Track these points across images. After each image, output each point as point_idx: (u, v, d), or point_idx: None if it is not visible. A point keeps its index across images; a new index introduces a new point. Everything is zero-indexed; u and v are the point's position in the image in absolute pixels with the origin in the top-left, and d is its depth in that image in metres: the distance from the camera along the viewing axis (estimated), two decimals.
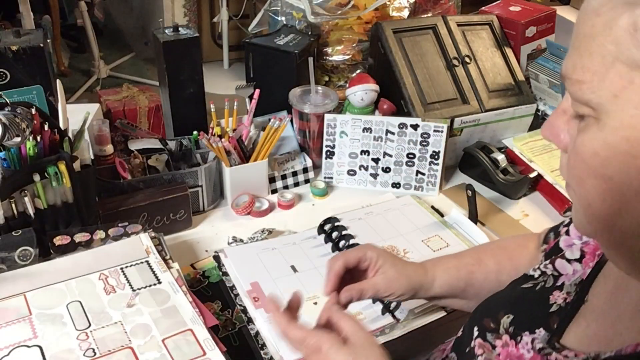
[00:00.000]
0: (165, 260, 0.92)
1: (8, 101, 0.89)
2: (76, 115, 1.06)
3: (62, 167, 0.92)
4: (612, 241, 0.48)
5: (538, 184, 1.27)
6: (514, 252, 0.84)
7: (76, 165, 0.95)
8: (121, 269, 0.90)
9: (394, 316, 0.90)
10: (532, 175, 1.24)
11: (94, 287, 0.87)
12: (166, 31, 1.20)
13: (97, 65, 3.06)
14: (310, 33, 1.41)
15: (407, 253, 1.04)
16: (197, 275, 0.99)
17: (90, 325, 0.80)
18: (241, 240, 1.06)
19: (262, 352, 0.84)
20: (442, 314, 0.93)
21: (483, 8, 1.50)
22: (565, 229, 0.71)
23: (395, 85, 1.28)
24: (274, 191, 1.23)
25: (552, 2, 2.27)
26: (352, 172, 1.26)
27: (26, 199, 0.91)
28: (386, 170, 1.24)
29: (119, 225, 0.97)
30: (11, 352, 0.75)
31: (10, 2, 2.73)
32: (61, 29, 3.18)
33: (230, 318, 0.91)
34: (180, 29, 1.21)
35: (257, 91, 1.21)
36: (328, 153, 1.25)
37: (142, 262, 0.92)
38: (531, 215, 1.21)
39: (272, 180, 1.22)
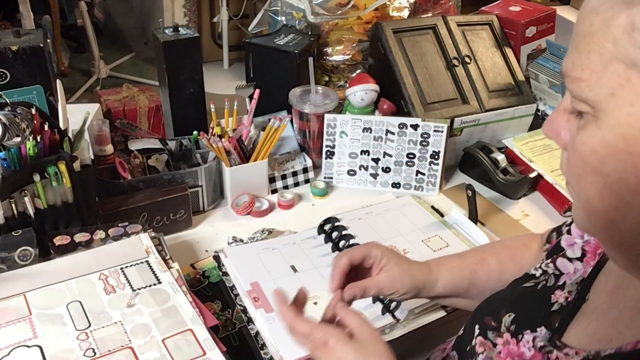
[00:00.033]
0: (165, 260, 0.92)
1: (8, 101, 0.89)
2: (76, 115, 1.06)
3: (62, 167, 0.92)
4: (611, 238, 0.49)
5: (538, 184, 1.27)
6: (517, 251, 0.84)
7: (76, 165, 0.95)
8: (121, 269, 0.90)
9: (394, 316, 0.90)
10: (532, 175, 1.24)
11: (94, 287, 0.87)
12: (166, 31, 1.20)
13: (97, 65, 3.06)
14: (310, 33, 1.41)
15: (407, 253, 1.04)
16: (197, 275, 0.99)
17: (90, 325, 0.80)
18: (241, 240, 1.06)
19: (262, 352, 0.84)
20: (442, 313, 0.93)
21: (483, 8, 1.50)
22: (567, 228, 0.71)
23: (395, 85, 1.28)
24: (274, 191, 1.23)
25: (552, 2, 2.27)
26: (352, 172, 1.26)
27: (26, 199, 0.91)
28: (386, 170, 1.24)
29: (119, 225, 0.97)
30: (11, 352, 0.76)
31: (10, 2, 2.73)
32: (61, 29, 3.18)
33: (230, 318, 0.91)
34: (180, 29, 1.21)
35: (257, 91, 1.21)
36: (328, 153, 1.25)
37: (142, 262, 0.92)
38: (531, 215, 1.21)
39: (272, 180, 1.22)
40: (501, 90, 1.35)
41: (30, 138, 0.90)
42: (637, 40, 0.41)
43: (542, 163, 1.25)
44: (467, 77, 1.33)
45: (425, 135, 1.20)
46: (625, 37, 0.41)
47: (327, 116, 1.23)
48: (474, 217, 1.14)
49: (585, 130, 0.46)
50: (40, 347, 0.76)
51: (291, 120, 1.27)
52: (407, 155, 1.22)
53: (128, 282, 0.88)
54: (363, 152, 1.24)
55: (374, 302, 0.92)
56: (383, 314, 0.90)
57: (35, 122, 0.90)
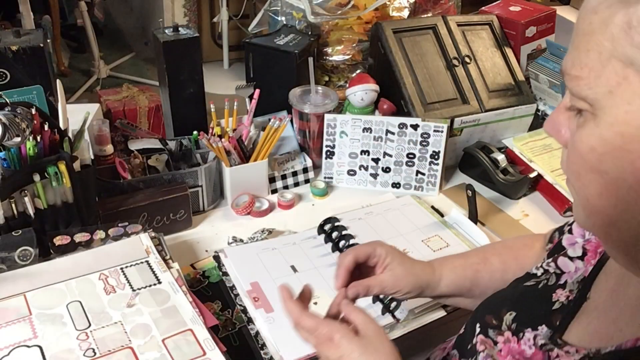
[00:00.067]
0: (165, 260, 0.92)
1: (8, 101, 0.89)
2: (76, 115, 1.06)
3: (62, 167, 0.92)
4: (610, 235, 0.49)
5: (538, 184, 1.27)
6: (519, 251, 0.84)
7: (76, 165, 0.95)
8: (121, 269, 0.90)
9: (394, 316, 0.90)
10: (532, 175, 1.24)
11: (94, 287, 0.87)
12: (166, 31, 1.20)
13: (97, 65, 3.06)
14: (310, 33, 1.41)
15: (407, 253, 1.03)
16: (197, 275, 0.99)
17: (90, 325, 0.80)
18: (241, 240, 1.06)
19: (262, 352, 0.84)
20: (442, 313, 0.93)
21: (483, 8, 1.50)
22: (569, 227, 0.72)
23: (395, 85, 1.28)
24: (274, 191, 1.23)
25: (552, 2, 2.27)
26: (352, 172, 1.26)
27: (26, 199, 0.91)
28: (386, 170, 1.24)
29: (119, 225, 0.97)
30: (11, 352, 0.76)
31: (10, 2, 2.73)
32: (61, 29, 3.18)
33: (230, 318, 0.91)
34: (180, 29, 1.21)
35: (257, 91, 1.21)
36: (328, 153, 1.25)
37: (142, 262, 0.92)
38: (531, 215, 1.21)
39: (272, 180, 1.22)
40: (501, 90, 1.35)
41: (30, 138, 0.90)
42: (634, 38, 0.41)
43: (542, 163, 1.25)
44: (467, 77, 1.33)
45: (425, 135, 1.20)
46: (623, 36, 0.42)
47: (327, 116, 1.23)
48: (474, 217, 1.14)
49: (584, 128, 0.46)
50: (40, 347, 0.76)
51: (291, 120, 1.27)
52: (407, 155, 1.22)
53: (128, 282, 0.88)
54: (363, 152, 1.24)
55: (374, 302, 0.92)
56: (383, 314, 0.90)
57: (35, 122, 0.90)
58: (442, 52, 1.34)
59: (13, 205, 0.91)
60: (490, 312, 0.67)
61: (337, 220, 1.09)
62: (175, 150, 1.19)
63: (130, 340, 0.78)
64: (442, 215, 1.16)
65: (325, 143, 1.25)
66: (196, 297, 0.86)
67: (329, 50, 1.44)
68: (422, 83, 1.29)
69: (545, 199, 1.25)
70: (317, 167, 1.29)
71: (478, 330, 0.66)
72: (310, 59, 1.27)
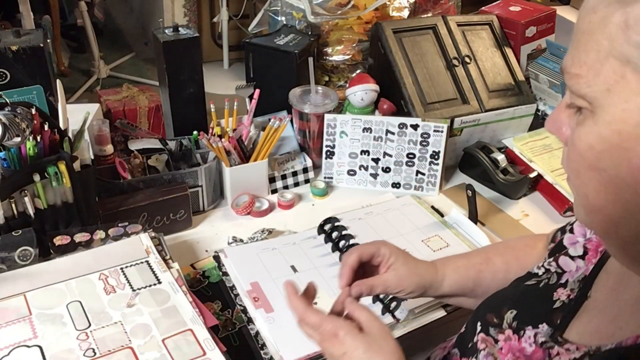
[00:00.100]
0: (165, 260, 0.92)
1: (8, 101, 0.89)
2: (76, 115, 1.06)
3: (62, 167, 0.92)
4: (609, 233, 0.49)
5: (538, 184, 1.27)
6: (522, 251, 0.84)
7: (76, 165, 0.95)
8: (121, 269, 0.90)
9: (394, 316, 0.90)
10: (532, 175, 1.24)
11: (94, 287, 0.87)
12: (166, 31, 1.20)
13: (97, 65, 3.06)
14: (310, 33, 1.41)
15: None
16: (197, 275, 0.99)
17: (90, 325, 0.80)
18: (241, 240, 1.06)
19: (262, 352, 0.84)
20: (442, 313, 0.93)
21: (483, 8, 1.50)
22: (570, 227, 0.72)
23: (395, 85, 1.28)
24: (274, 191, 1.23)
25: (552, 2, 2.27)
26: (352, 172, 1.26)
27: (26, 199, 0.91)
28: (386, 170, 1.24)
29: (119, 225, 0.97)
30: (11, 352, 0.76)
31: (10, 2, 2.73)
32: (61, 29, 3.17)
33: (230, 318, 0.91)
34: (180, 29, 1.21)
35: (257, 91, 1.21)
36: (328, 153, 1.25)
37: (142, 262, 0.92)
38: (531, 215, 1.21)
39: (272, 180, 1.22)
40: (501, 90, 1.35)
41: (30, 138, 0.90)
42: (631, 37, 0.42)
43: (542, 163, 1.25)
44: (467, 77, 1.33)
45: (425, 135, 1.20)
46: (620, 35, 0.42)
47: (327, 116, 1.23)
48: (474, 217, 1.14)
49: (583, 125, 0.47)
50: (40, 347, 0.76)
51: (291, 120, 1.27)
52: (407, 155, 1.22)
53: (128, 282, 0.88)
54: (363, 152, 1.24)
55: (374, 302, 0.92)
56: (383, 314, 0.90)
57: (35, 122, 0.90)
58: (442, 52, 1.34)
59: (13, 205, 0.91)
60: (491, 311, 0.67)
61: (337, 220, 1.09)
62: (175, 150, 1.19)
63: (130, 340, 0.78)
64: (442, 215, 1.16)
65: (325, 143, 1.25)
66: (196, 297, 0.86)
67: (329, 50, 1.44)
68: (422, 83, 1.29)
69: (545, 199, 1.25)
70: (317, 167, 1.29)
71: (479, 328, 0.67)
72: (310, 59, 1.27)
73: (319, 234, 1.07)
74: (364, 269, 0.79)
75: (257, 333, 0.87)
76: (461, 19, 1.40)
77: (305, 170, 1.26)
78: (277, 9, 1.46)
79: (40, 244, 0.92)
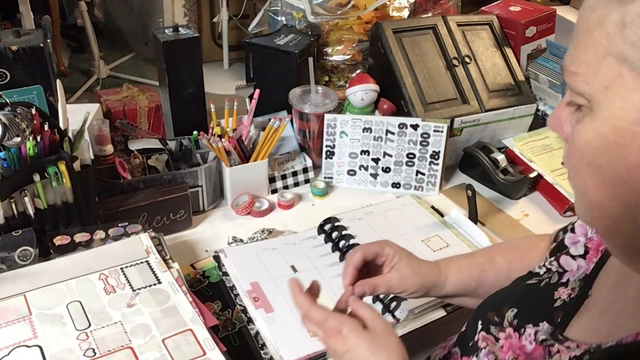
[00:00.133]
0: (165, 260, 0.92)
1: (8, 101, 0.89)
2: (76, 115, 1.06)
3: (62, 167, 0.92)
4: (607, 229, 0.50)
5: (538, 184, 1.27)
6: (525, 251, 0.84)
7: (76, 165, 0.95)
8: (121, 269, 0.90)
9: (394, 316, 0.90)
10: (532, 175, 1.24)
11: (94, 287, 0.87)
12: (166, 31, 1.20)
13: (97, 65, 3.06)
14: (310, 33, 1.41)
15: None
16: (197, 275, 0.99)
17: (90, 325, 0.80)
18: (241, 240, 1.06)
19: (262, 352, 0.84)
20: (442, 313, 0.93)
21: (483, 8, 1.50)
22: (572, 226, 0.72)
23: (395, 85, 1.28)
24: (274, 191, 1.23)
25: (552, 2, 2.27)
26: (352, 172, 1.26)
27: (26, 199, 0.91)
28: (386, 170, 1.24)
29: (119, 225, 0.97)
30: (11, 352, 0.76)
31: (10, 2, 2.73)
32: (61, 29, 3.18)
33: (230, 318, 0.91)
34: (180, 29, 1.21)
35: (257, 91, 1.21)
36: (328, 153, 1.25)
37: (142, 262, 0.92)
38: (531, 215, 1.21)
39: (272, 180, 1.22)
40: (501, 90, 1.35)
41: (30, 138, 0.90)
42: (628, 36, 0.43)
43: (542, 163, 1.25)
44: (467, 77, 1.33)
45: (425, 135, 1.20)
46: (617, 33, 0.43)
47: (327, 116, 1.23)
48: (474, 217, 1.14)
49: (582, 123, 0.47)
50: (40, 347, 0.76)
51: (291, 120, 1.27)
52: (407, 155, 1.22)
53: (128, 282, 0.88)
54: (363, 152, 1.24)
55: (374, 301, 0.92)
56: (383, 313, 0.90)
57: (35, 122, 0.90)
58: (442, 52, 1.34)
59: (13, 205, 0.91)
60: (492, 310, 0.67)
61: (337, 220, 1.09)
62: (175, 150, 1.19)
63: (130, 340, 0.78)
64: (442, 215, 1.16)
65: (325, 143, 1.25)
66: (196, 297, 0.86)
67: (329, 50, 1.44)
68: (422, 83, 1.29)
69: (545, 199, 1.25)
70: (317, 167, 1.29)
71: (480, 327, 0.67)
72: (310, 59, 1.27)
73: (319, 234, 1.07)
74: (368, 268, 0.79)
75: (257, 333, 0.87)
76: (461, 19, 1.40)
77: (305, 170, 1.26)
78: (277, 9, 1.46)
79: (40, 244, 0.92)
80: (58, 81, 1.04)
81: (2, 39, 1.00)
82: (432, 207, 1.19)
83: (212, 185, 1.15)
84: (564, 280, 0.65)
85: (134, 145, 1.18)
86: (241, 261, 0.99)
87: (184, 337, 0.79)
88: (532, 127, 1.38)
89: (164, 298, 0.85)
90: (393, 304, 0.90)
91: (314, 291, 0.71)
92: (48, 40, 1.05)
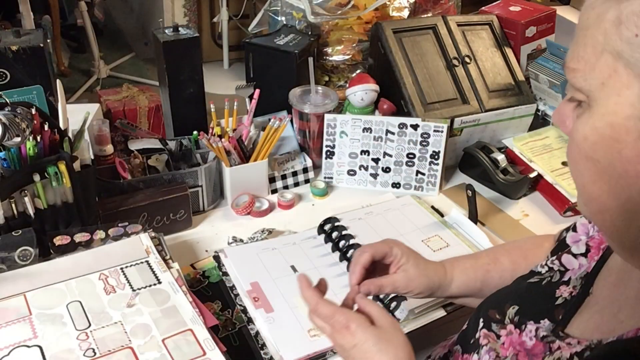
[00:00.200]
0: (165, 260, 0.92)
1: (8, 101, 0.89)
2: (76, 115, 1.06)
3: (62, 167, 0.92)
4: (604, 222, 0.51)
5: (538, 184, 1.27)
6: (529, 251, 0.85)
7: (76, 165, 0.95)
8: (121, 269, 0.90)
9: (393, 316, 0.90)
10: (532, 175, 1.24)
11: (94, 287, 0.87)
12: (166, 31, 1.20)
13: (97, 65, 3.06)
14: (310, 33, 1.41)
15: None
16: (197, 275, 0.99)
17: (90, 325, 0.80)
18: (241, 240, 1.06)
19: (262, 352, 0.84)
20: (442, 313, 0.93)
21: (483, 8, 1.50)
22: (573, 225, 0.72)
23: (395, 85, 1.28)
24: (274, 191, 1.23)
25: (552, 2, 2.27)
26: (352, 172, 1.26)
27: (26, 199, 0.91)
28: (386, 170, 1.24)
29: (119, 225, 0.97)
30: (11, 352, 0.76)
31: (10, 2, 2.73)
32: (61, 29, 3.18)
33: (230, 318, 0.91)
34: (180, 29, 1.21)
35: (257, 91, 1.21)
36: (328, 153, 1.25)
37: (142, 262, 0.92)
38: (531, 215, 1.21)
39: (272, 180, 1.22)
40: (501, 90, 1.35)
41: (30, 138, 0.90)
42: (623, 33, 0.44)
43: (542, 163, 1.25)
44: (467, 77, 1.33)
45: (425, 135, 1.20)
46: (614, 31, 0.44)
47: (327, 116, 1.23)
48: (474, 217, 1.14)
49: (581, 118, 0.49)
50: (40, 347, 0.76)
51: (291, 120, 1.27)
52: (407, 155, 1.22)
53: (128, 282, 0.88)
54: (363, 152, 1.24)
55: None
56: None
57: (35, 122, 0.90)
58: (442, 52, 1.34)
59: (13, 205, 0.91)
60: (494, 307, 0.68)
61: (337, 220, 1.09)
62: (175, 150, 1.19)
63: (130, 340, 0.78)
64: (442, 215, 1.16)
65: (325, 143, 1.25)
66: (196, 297, 0.86)
67: (329, 50, 1.44)
68: (422, 83, 1.29)
69: (545, 199, 1.25)
70: (317, 167, 1.29)
71: (481, 325, 0.67)
72: (310, 59, 1.27)
73: (319, 234, 1.08)
74: (374, 267, 0.79)
75: (257, 333, 0.87)
76: (461, 19, 1.40)
77: (305, 170, 1.26)
78: (277, 9, 1.46)
79: (40, 244, 0.92)
80: (58, 81, 1.04)
81: (2, 39, 1.00)
82: (432, 207, 1.19)
83: (212, 185, 1.15)
84: (565, 278, 0.65)
85: (134, 145, 1.18)
86: (241, 261, 0.99)
87: (184, 337, 0.79)
88: (532, 127, 1.38)
89: (164, 298, 0.85)
90: (393, 304, 0.90)
91: (321, 288, 0.72)
92: (48, 40, 1.05)
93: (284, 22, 1.45)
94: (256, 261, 1.00)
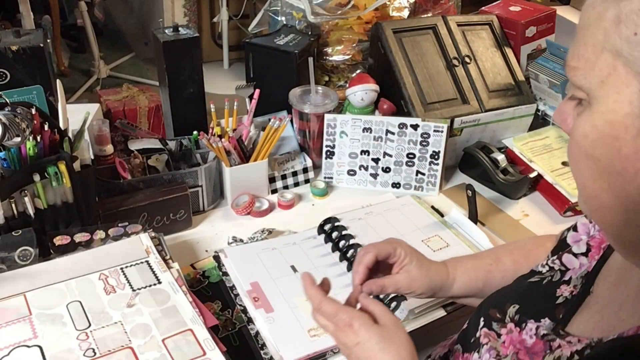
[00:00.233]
0: (165, 260, 0.92)
1: (8, 101, 0.89)
2: (76, 115, 1.06)
3: (62, 167, 0.92)
4: (604, 220, 0.51)
5: (538, 184, 1.27)
6: (531, 251, 0.85)
7: (76, 165, 0.95)
8: (121, 269, 0.90)
9: None
10: (532, 175, 1.24)
11: (94, 287, 0.87)
12: (166, 31, 1.20)
13: (97, 65, 3.06)
14: (310, 33, 1.41)
15: None
16: (197, 275, 0.99)
17: (90, 325, 0.80)
18: (241, 240, 1.06)
19: (262, 352, 0.84)
20: (442, 313, 0.93)
21: (483, 8, 1.50)
22: (574, 225, 0.72)
23: (395, 85, 1.28)
24: (274, 191, 1.23)
25: (552, 2, 2.27)
26: (352, 172, 1.26)
27: (26, 199, 0.91)
28: (386, 170, 1.24)
29: (119, 225, 0.97)
30: (11, 352, 0.76)
31: (10, 2, 2.73)
32: (61, 29, 3.17)
33: (230, 318, 0.91)
34: (180, 29, 1.21)
35: (257, 91, 1.21)
36: (328, 153, 1.25)
37: (142, 262, 0.92)
38: (531, 215, 1.21)
39: (272, 180, 1.22)
40: (501, 90, 1.35)
41: (30, 138, 0.90)
42: (622, 32, 0.44)
43: (542, 163, 1.25)
44: (467, 77, 1.33)
45: (425, 135, 1.20)
46: (613, 29, 0.45)
47: (327, 116, 1.23)
48: (474, 217, 1.14)
49: (581, 116, 0.49)
50: (40, 347, 0.76)
51: (291, 120, 1.27)
52: (407, 155, 1.22)
53: (128, 282, 0.88)
54: (363, 152, 1.24)
55: None
56: None
57: (35, 122, 0.90)
58: (442, 52, 1.34)
59: (13, 205, 0.91)
60: (495, 306, 0.68)
61: (337, 220, 1.09)
62: (175, 150, 1.19)
63: (130, 340, 0.78)
64: (442, 215, 1.16)
65: (325, 143, 1.25)
66: (196, 297, 0.86)
67: (329, 50, 1.44)
68: (422, 83, 1.29)
69: (545, 199, 1.25)
70: (317, 167, 1.29)
71: (482, 323, 0.67)
72: (310, 59, 1.27)
73: (319, 234, 1.07)
74: (377, 266, 0.79)
75: (257, 333, 0.87)
76: (461, 19, 1.40)
77: (305, 170, 1.26)
78: (277, 9, 1.46)
79: (40, 244, 0.92)
80: (58, 81, 1.04)
81: (2, 39, 1.00)
82: (432, 207, 1.19)
83: (212, 185, 1.15)
84: (566, 278, 0.65)
85: (134, 145, 1.18)
86: (241, 261, 0.99)
87: (184, 337, 0.79)
88: (532, 127, 1.38)
89: (164, 298, 0.85)
90: (393, 304, 0.90)
91: (324, 287, 0.72)
92: (48, 40, 1.05)
93: (284, 22, 1.45)
94: (256, 261, 1.00)
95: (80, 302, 0.84)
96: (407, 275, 0.78)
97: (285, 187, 1.24)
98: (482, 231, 1.09)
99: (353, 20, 1.43)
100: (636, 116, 0.44)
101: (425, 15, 1.49)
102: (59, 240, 0.93)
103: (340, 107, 1.36)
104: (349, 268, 0.99)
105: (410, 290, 0.79)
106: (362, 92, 1.27)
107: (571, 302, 0.61)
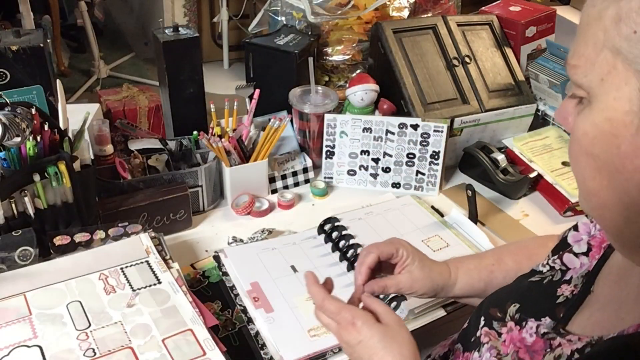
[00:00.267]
0: (165, 260, 0.92)
1: (8, 101, 0.89)
2: (76, 115, 1.06)
3: (62, 167, 0.92)
4: (604, 217, 0.51)
5: (538, 184, 1.27)
6: (533, 251, 0.85)
7: (76, 165, 0.95)
8: (121, 269, 0.90)
9: None
10: (532, 175, 1.24)
11: (94, 287, 0.87)
12: (166, 31, 1.20)
13: (97, 65, 3.06)
14: (310, 33, 1.41)
15: None
16: (197, 275, 0.99)
17: (90, 325, 0.80)
18: (241, 240, 1.06)
19: (262, 352, 0.84)
20: (442, 313, 0.93)
21: (483, 8, 1.50)
22: (575, 225, 0.72)
23: (395, 85, 1.28)
24: (274, 191, 1.23)
25: (552, 2, 2.27)
26: (352, 172, 1.26)
27: (26, 199, 0.91)
28: (386, 170, 1.24)
29: (119, 225, 0.97)
30: (11, 352, 0.76)
31: (10, 2, 2.73)
32: (61, 29, 3.17)
33: (230, 318, 0.91)
34: (180, 29, 1.21)
35: (257, 91, 1.21)
36: (328, 153, 1.25)
37: (142, 262, 0.92)
38: (531, 215, 1.21)
39: (272, 180, 1.22)
40: (501, 90, 1.35)
41: (30, 138, 0.90)
42: (622, 30, 0.44)
43: (542, 163, 1.25)
44: (467, 77, 1.33)
45: (425, 135, 1.20)
46: (613, 27, 0.45)
47: (327, 116, 1.23)
48: (474, 217, 1.14)
49: (581, 114, 0.49)
50: (40, 347, 0.76)
51: (291, 120, 1.27)
52: (407, 155, 1.22)
53: (128, 282, 0.88)
54: (363, 152, 1.24)
55: None
56: None
57: (35, 122, 0.90)
58: (442, 52, 1.34)
59: (13, 205, 0.91)
60: (495, 306, 0.68)
61: (337, 220, 1.09)
62: (175, 150, 1.19)
63: (130, 340, 0.78)
64: (442, 215, 1.16)
65: (325, 143, 1.25)
66: (196, 297, 0.86)
67: (329, 50, 1.44)
68: (422, 83, 1.29)
69: (545, 199, 1.25)
70: (317, 167, 1.29)
71: (482, 323, 0.67)
72: (310, 59, 1.27)
73: (319, 234, 1.08)
74: (379, 265, 0.80)
75: (257, 333, 0.87)
76: (461, 19, 1.40)
77: (305, 170, 1.26)
78: (277, 9, 1.46)
79: (40, 244, 0.92)
80: (58, 81, 1.04)
81: (2, 39, 1.00)
82: (432, 207, 1.19)
83: (212, 185, 1.15)
84: (567, 277, 0.65)
85: (134, 145, 1.18)
86: (241, 261, 0.99)
87: (184, 337, 0.79)
88: (532, 127, 1.38)
89: (164, 298, 0.85)
90: (393, 304, 0.90)
91: (327, 287, 0.73)
92: (48, 40, 1.05)
93: (284, 22, 1.45)
94: (256, 261, 1.00)
95: (80, 302, 0.84)
96: (409, 275, 0.78)
97: (285, 187, 1.24)
98: (482, 231, 1.09)
99: (353, 20, 1.43)
100: (635, 114, 0.44)
101: (425, 15, 1.49)
102: (59, 240, 0.93)
103: (340, 107, 1.36)
104: (349, 268, 0.99)
105: (412, 290, 0.79)
106: (362, 92, 1.27)
107: (572, 301, 0.61)
